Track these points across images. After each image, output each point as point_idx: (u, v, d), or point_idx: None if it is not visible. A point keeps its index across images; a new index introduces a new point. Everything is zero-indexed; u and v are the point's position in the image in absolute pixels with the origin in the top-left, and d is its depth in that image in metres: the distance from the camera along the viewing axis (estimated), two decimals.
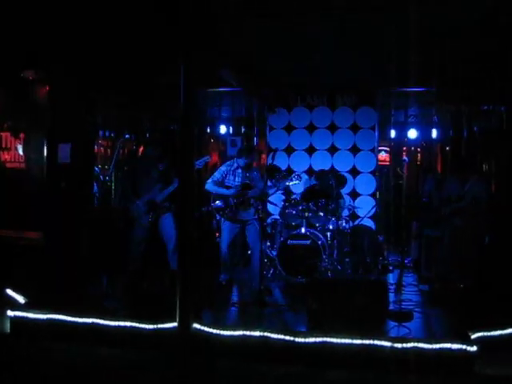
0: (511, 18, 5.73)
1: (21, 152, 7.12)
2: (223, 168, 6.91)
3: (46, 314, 5.30)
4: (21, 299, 5.83)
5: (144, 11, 4.60)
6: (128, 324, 5.09)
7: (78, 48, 6.50)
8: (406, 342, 4.68)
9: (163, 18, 4.58)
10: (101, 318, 5.19)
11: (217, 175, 6.85)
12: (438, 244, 7.15)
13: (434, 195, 7.84)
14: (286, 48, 6.69)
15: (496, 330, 5.03)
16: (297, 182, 6.93)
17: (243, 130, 9.74)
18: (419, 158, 9.92)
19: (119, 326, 5.12)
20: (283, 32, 6.24)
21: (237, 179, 6.82)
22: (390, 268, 8.14)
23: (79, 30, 5.99)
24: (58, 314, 5.28)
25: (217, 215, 7.14)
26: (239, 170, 6.82)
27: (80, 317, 5.25)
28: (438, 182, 8.03)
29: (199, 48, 4.82)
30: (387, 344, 4.68)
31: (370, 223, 8.56)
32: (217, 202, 6.72)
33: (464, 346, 4.59)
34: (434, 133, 9.20)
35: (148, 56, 6.59)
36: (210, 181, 6.85)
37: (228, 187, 6.78)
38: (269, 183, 6.81)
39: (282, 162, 8.76)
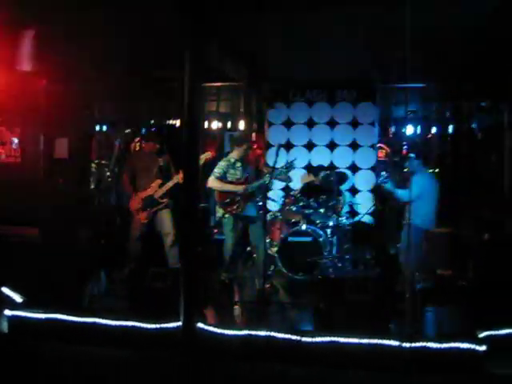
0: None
1: (16, 146, 6.96)
2: (222, 163, 6.69)
3: (45, 313, 5.17)
4: (18, 298, 5.69)
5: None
6: (130, 324, 4.97)
7: (74, 39, 6.34)
8: (415, 341, 4.59)
9: (167, 9, 4.45)
10: (102, 318, 5.06)
11: (217, 171, 6.62)
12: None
13: None
14: (286, 42, 6.59)
15: (503, 328, 4.97)
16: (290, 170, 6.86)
17: (242, 125, 9.57)
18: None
19: (121, 326, 4.99)
20: (284, 26, 6.14)
21: (238, 173, 6.67)
22: None
23: (76, 20, 5.85)
24: (58, 313, 5.14)
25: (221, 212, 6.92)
26: (238, 164, 6.68)
27: (80, 316, 5.12)
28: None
29: (204, 39, 4.72)
30: (395, 343, 4.59)
31: (369, 219, 8.51)
32: (227, 199, 6.56)
33: (473, 346, 4.51)
34: (434, 129, 9.15)
35: (149, 49, 6.46)
36: (212, 178, 6.60)
37: (230, 182, 6.62)
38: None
39: (281, 157, 8.62)
